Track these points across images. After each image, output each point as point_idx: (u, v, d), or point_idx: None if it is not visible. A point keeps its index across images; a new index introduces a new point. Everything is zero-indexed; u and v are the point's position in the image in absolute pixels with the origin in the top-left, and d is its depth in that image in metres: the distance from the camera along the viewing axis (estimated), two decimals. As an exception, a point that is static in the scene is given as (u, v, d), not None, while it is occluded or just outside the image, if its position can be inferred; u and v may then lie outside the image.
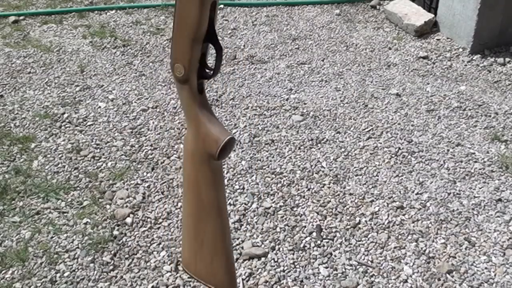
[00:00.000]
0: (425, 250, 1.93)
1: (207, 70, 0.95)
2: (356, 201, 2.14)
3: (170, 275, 1.82)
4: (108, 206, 2.10)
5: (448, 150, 2.43)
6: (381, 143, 2.48)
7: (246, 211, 2.09)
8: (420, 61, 3.19)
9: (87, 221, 2.02)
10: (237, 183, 2.22)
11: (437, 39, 3.38)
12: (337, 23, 3.63)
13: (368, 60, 3.20)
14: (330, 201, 2.14)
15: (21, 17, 3.64)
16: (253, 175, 2.27)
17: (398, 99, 2.81)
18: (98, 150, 2.40)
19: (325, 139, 2.50)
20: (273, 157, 2.38)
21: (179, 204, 2.12)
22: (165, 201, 2.13)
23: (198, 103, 0.94)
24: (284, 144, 2.46)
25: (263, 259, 1.88)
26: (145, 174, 2.27)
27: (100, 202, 2.12)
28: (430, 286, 1.80)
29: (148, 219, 2.04)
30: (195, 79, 0.92)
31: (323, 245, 1.94)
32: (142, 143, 2.46)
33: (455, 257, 1.90)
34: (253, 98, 2.80)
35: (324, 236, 1.98)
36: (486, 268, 1.86)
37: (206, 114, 0.94)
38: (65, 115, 2.64)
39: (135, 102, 2.76)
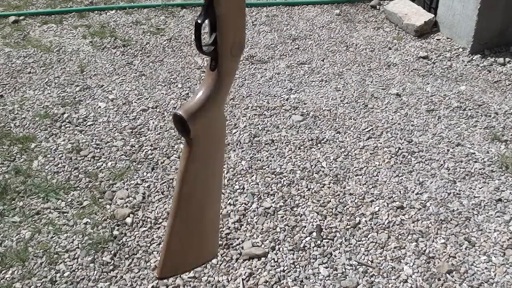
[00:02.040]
0: (425, 250, 1.93)
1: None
2: (356, 201, 2.14)
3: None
4: (108, 206, 2.10)
5: (448, 150, 2.43)
6: (381, 143, 2.48)
7: (246, 211, 2.09)
8: (420, 61, 3.19)
9: (87, 221, 2.03)
10: (237, 183, 2.22)
11: (437, 39, 3.38)
12: (337, 23, 3.63)
13: (368, 60, 3.20)
14: (330, 201, 2.14)
15: (21, 17, 3.64)
16: (253, 175, 2.27)
17: (398, 99, 2.81)
18: (98, 150, 2.41)
19: (325, 139, 2.50)
20: (273, 157, 2.38)
21: (179, 204, 2.11)
22: (165, 201, 2.13)
23: None
24: (284, 144, 2.46)
25: (263, 259, 1.88)
26: (145, 174, 2.27)
27: (100, 202, 2.12)
28: (430, 286, 1.80)
29: (148, 219, 2.04)
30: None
31: (323, 245, 1.94)
32: (142, 143, 2.46)
33: (455, 257, 1.90)
34: (253, 98, 2.80)
35: (324, 236, 1.98)
36: (486, 268, 1.86)
37: None
38: (65, 115, 2.64)
39: (135, 102, 2.76)
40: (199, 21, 0.86)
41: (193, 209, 0.96)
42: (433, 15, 3.45)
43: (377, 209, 2.10)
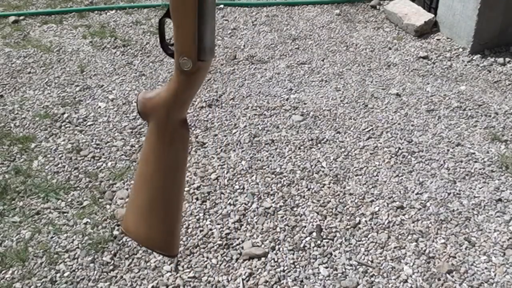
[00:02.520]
0: (425, 250, 1.93)
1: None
2: (356, 201, 2.14)
3: (170, 275, 1.82)
4: (108, 206, 2.10)
5: (448, 150, 2.43)
6: (381, 143, 2.48)
7: (246, 211, 2.09)
8: (420, 61, 3.19)
9: (87, 221, 2.03)
10: (237, 183, 2.22)
11: (437, 39, 3.38)
12: (337, 23, 3.63)
13: (368, 60, 3.20)
14: (330, 201, 2.14)
15: (21, 17, 3.64)
16: (253, 175, 2.27)
17: (398, 99, 2.81)
18: (98, 150, 2.41)
19: (325, 139, 2.50)
20: (273, 157, 2.38)
21: (179, 204, 2.12)
22: (165, 201, 2.13)
23: None
24: (284, 144, 2.46)
25: (263, 259, 1.88)
26: (145, 174, 2.26)
27: (100, 202, 2.12)
28: (430, 286, 1.80)
29: (148, 219, 2.04)
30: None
31: (323, 245, 1.95)
32: (142, 143, 2.45)
33: (455, 257, 1.90)
34: (253, 98, 2.80)
35: (324, 236, 1.98)
36: (486, 268, 1.86)
37: None
38: (65, 115, 2.64)
39: (135, 102, 2.76)
40: (160, 17, 0.89)
41: (144, 189, 0.99)
42: (433, 15, 3.45)
43: (377, 209, 2.10)
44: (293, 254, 1.91)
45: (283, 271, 1.85)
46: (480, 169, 2.32)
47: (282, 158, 2.37)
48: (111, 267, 1.85)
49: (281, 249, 1.93)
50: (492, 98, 2.83)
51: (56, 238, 1.95)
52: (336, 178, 2.26)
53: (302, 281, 1.81)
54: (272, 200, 2.14)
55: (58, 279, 1.80)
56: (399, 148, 2.44)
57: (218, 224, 2.02)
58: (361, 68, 3.11)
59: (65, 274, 1.82)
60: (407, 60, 3.20)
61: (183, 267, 1.86)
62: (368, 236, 1.98)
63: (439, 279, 1.82)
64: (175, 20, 0.87)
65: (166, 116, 0.95)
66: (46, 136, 2.49)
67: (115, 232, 1.98)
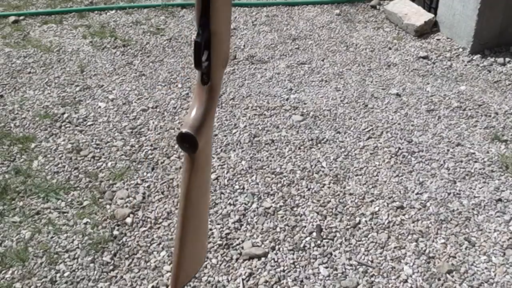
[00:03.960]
0: (425, 250, 1.93)
1: None
2: (356, 201, 2.14)
3: (170, 275, 1.82)
4: (108, 206, 2.10)
5: (448, 150, 2.43)
6: (381, 143, 2.48)
7: (246, 211, 2.09)
8: (420, 61, 3.19)
9: (87, 221, 2.03)
10: (237, 183, 2.22)
11: (437, 39, 3.38)
12: (337, 23, 3.63)
13: (368, 60, 3.20)
14: (330, 201, 2.14)
15: (21, 17, 3.64)
16: (253, 175, 2.27)
17: (398, 99, 2.81)
18: (98, 150, 2.41)
19: (325, 139, 2.50)
20: (273, 157, 2.38)
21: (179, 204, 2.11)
22: (165, 201, 2.13)
23: None
24: (284, 144, 2.46)
25: (263, 259, 1.88)
26: (145, 174, 2.27)
27: (100, 202, 2.12)
28: (430, 286, 1.80)
29: (148, 219, 2.04)
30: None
31: (323, 245, 1.95)
32: (142, 143, 2.46)
33: (455, 257, 1.90)
34: (253, 98, 2.80)
35: (324, 236, 1.98)
36: (486, 268, 1.87)
37: None
38: (65, 115, 2.64)
39: (135, 102, 2.76)
40: (198, 40, 0.88)
41: (195, 218, 0.98)
42: (433, 15, 3.45)
43: (377, 209, 2.11)
44: (293, 254, 1.91)
45: (283, 271, 1.85)
46: (480, 169, 2.32)
47: (282, 158, 2.37)
48: (111, 267, 1.85)
49: (281, 249, 1.93)
50: (492, 98, 2.83)
51: (56, 238, 1.95)
52: (336, 178, 2.26)
53: (302, 281, 1.81)
54: (272, 200, 2.14)
55: (58, 279, 1.80)
56: (399, 148, 2.44)
57: (218, 224, 2.02)
58: (361, 68, 3.11)
59: (65, 274, 1.82)
60: (407, 60, 3.20)
61: (183, 267, 1.85)
62: (368, 236, 1.98)
63: (439, 279, 1.82)
64: (223, 29, 0.89)
65: (213, 121, 0.95)
66: (46, 136, 2.49)
67: (115, 232, 1.98)
